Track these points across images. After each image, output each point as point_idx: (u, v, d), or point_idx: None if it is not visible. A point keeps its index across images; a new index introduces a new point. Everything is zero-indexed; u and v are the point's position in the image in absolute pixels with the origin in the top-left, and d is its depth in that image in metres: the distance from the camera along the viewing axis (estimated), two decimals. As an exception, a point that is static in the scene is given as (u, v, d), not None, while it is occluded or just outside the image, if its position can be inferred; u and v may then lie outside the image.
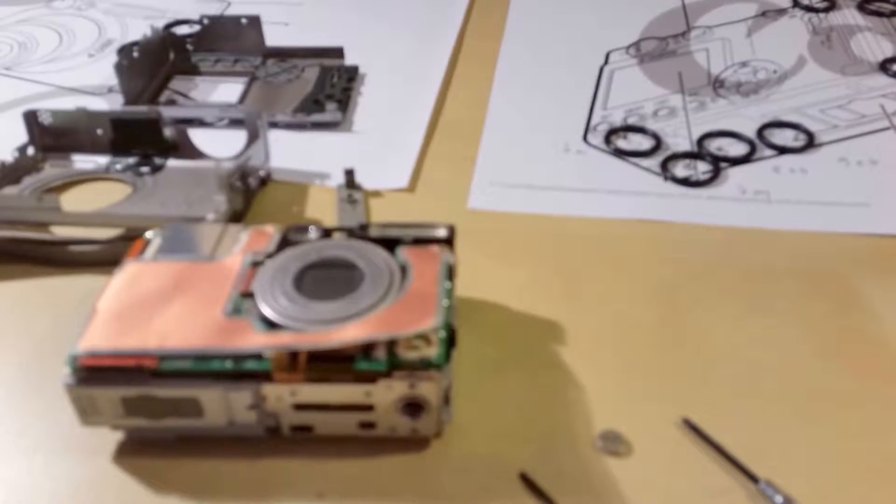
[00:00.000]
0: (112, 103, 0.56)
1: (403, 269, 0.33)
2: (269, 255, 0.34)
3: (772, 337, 0.37)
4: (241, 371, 0.30)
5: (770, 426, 0.32)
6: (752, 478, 0.30)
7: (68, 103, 0.53)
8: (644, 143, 0.51)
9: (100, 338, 0.30)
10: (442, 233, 0.36)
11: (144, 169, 0.48)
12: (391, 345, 0.30)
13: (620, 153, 0.50)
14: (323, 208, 0.45)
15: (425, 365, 0.30)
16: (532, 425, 0.33)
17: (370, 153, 0.50)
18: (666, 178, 0.48)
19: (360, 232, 0.36)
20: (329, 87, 0.56)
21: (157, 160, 0.49)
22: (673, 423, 0.33)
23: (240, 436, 0.31)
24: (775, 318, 0.38)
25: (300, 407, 0.31)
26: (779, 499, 0.29)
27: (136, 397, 0.30)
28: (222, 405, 0.30)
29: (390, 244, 0.35)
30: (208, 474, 0.31)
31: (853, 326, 0.37)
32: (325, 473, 0.31)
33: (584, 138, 0.52)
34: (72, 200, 0.46)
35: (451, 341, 0.31)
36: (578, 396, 0.34)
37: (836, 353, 0.36)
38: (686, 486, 0.30)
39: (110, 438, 0.32)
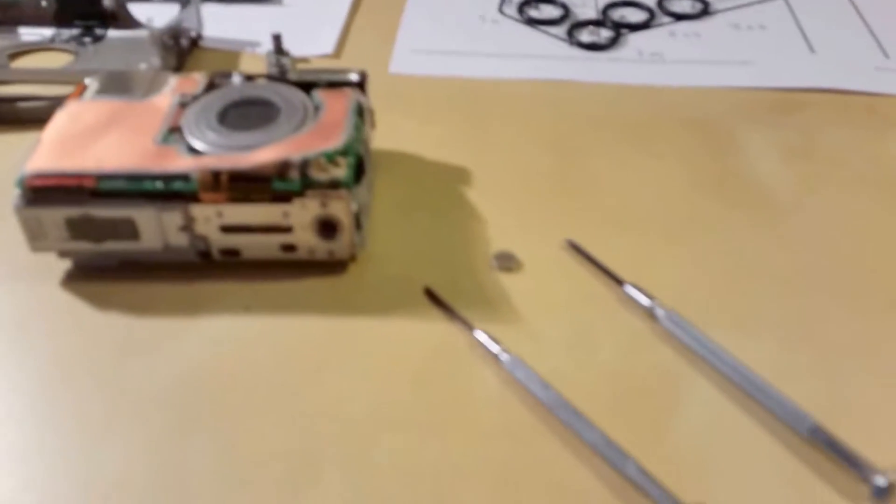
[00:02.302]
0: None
1: (317, 108, 0.35)
2: (196, 97, 0.35)
3: (653, 175, 0.39)
4: (171, 191, 0.31)
5: (643, 245, 0.35)
6: (620, 282, 0.32)
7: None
8: (554, 12, 0.52)
9: (44, 161, 0.32)
10: (354, 77, 0.37)
11: (86, 39, 0.48)
12: (304, 168, 0.31)
13: (532, 22, 0.51)
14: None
15: (335, 185, 0.31)
16: (437, 251, 0.35)
17: (299, 23, 0.51)
18: (571, 44, 0.49)
19: (279, 76, 0.37)
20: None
21: (99, 31, 0.49)
22: (559, 244, 0.35)
23: (175, 260, 0.33)
24: (657, 159, 0.40)
25: (226, 229, 0.32)
26: (643, 299, 0.31)
27: (79, 218, 0.31)
28: (156, 226, 0.32)
29: (307, 87, 0.36)
30: (147, 295, 0.33)
31: (727, 165, 0.39)
32: (252, 292, 0.33)
33: (500, 9, 0.53)
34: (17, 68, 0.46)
35: (359, 167, 0.32)
36: (479, 227, 0.36)
37: (709, 187, 0.38)
38: (566, 293, 0.33)
39: (58, 266, 0.34)
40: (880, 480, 0.24)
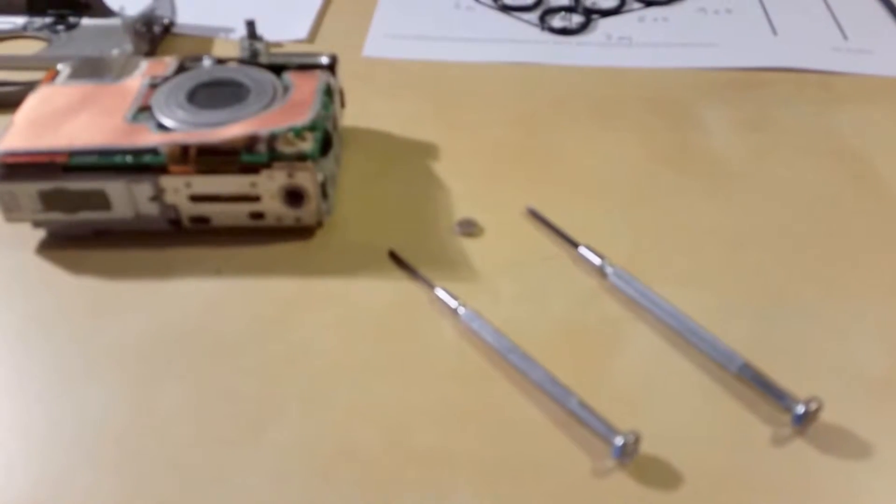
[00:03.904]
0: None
1: (286, 89, 0.38)
2: (167, 78, 0.39)
3: (613, 148, 0.43)
4: (141, 164, 0.35)
5: (599, 211, 0.39)
6: (574, 244, 0.36)
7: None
8: (527, -1, 0.56)
9: (17, 140, 0.35)
10: (325, 60, 0.41)
11: (60, 27, 0.52)
12: (272, 142, 0.35)
13: (506, 8, 0.55)
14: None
15: (301, 157, 0.35)
16: (402, 218, 0.38)
17: (274, 10, 0.55)
18: (543, 29, 0.53)
19: (250, 59, 0.40)
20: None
21: (72, 19, 0.53)
22: (520, 212, 0.39)
23: (146, 229, 0.37)
24: (619, 134, 0.44)
25: (196, 198, 0.36)
26: (594, 258, 0.35)
27: (52, 191, 0.35)
28: (127, 197, 0.35)
29: (278, 70, 0.40)
30: (120, 261, 0.36)
31: (685, 139, 0.43)
32: (222, 256, 0.37)
33: (473, -4, 0.57)
34: (-9, 53, 0.50)
35: (325, 141, 0.36)
36: (444, 197, 0.40)
37: (666, 158, 0.42)
38: (524, 256, 0.36)
39: (33, 235, 0.37)
40: (800, 409, 0.28)
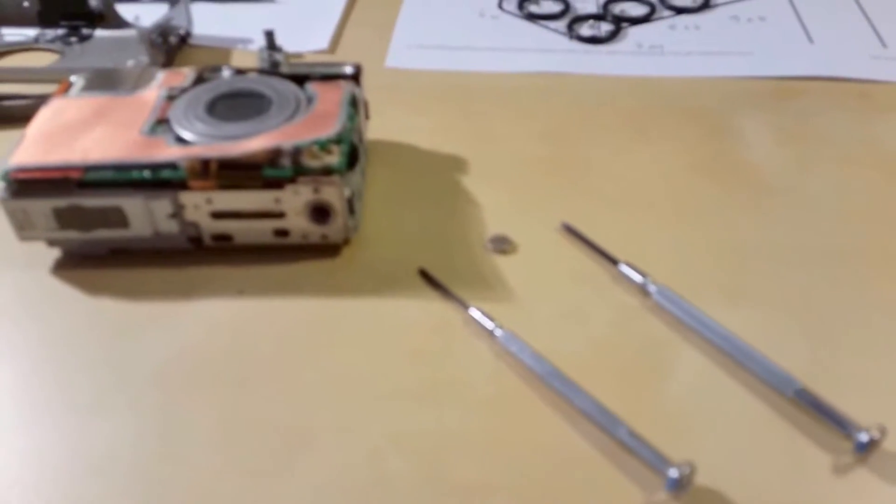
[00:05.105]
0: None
1: (310, 100, 0.37)
2: (184, 90, 0.38)
3: (648, 160, 0.42)
4: (159, 179, 0.34)
5: (637, 226, 0.37)
6: (614, 261, 0.35)
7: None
8: (554, 7, 0.55)
9: (28, 155, 0.34)
10: (349, 70, 0.40)
11: (72, 39, 0.51)
12: (296, 156, 0.34)
13: (532, 17, 0.55)
14: (245, 68, 0.49)
15: (327, 171, 0.34)
16: (431, 234, 0.37)
17: (293, 20, 0.54)
18: (571, 38, 0.52)
19: (271, 70, 0.40)
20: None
21: (85, 30, 0.52)
22: (554, 227, 0.38)
23: (166, 247, 0.36)
24: (653, 145, 0.43)
25: (217, 215, 0.35)
26: (636, 276, 0.34)
27: (66, 208, 0.34)
28: (145, 214, 0.34)
29: (300, 80, 0.39)
30: (139, 281, 0.35)
31: (723, 150, 0.42)
32: (245, 276, 0.36)
33: (499, 5, 0.56)
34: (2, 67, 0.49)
35: (352, 154, 0.35)
36: (474, 211, 0.39)
37: (703, 169, 0.41)
38: (559, 273, 0.35)
39: (47, 254, 0.36)
40: (863, 436, 0.27)
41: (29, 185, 0.34)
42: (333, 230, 0.35)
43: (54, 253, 0.37)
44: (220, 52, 0.51)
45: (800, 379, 0.29)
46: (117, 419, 0.30)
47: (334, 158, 0.34)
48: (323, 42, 0.52)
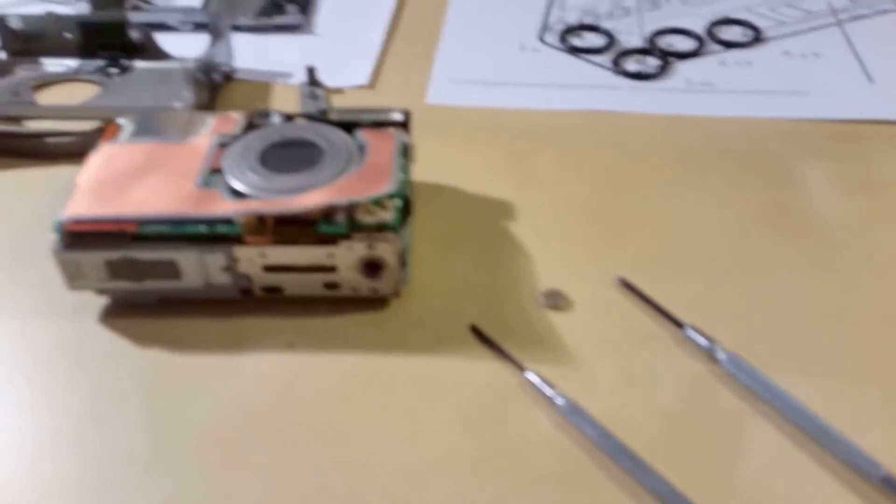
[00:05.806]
0: (79, 9, 0.58)
1: (361, 149, 0.37)
2: (236, 137, 0.38)
3: (706, 209, 0.41)
4: (215, 234, 0.33)
5: (698, 283, 0.37)
6: (678, 324, 0.34)
7: (37, 9, 0.56)
8: (598, 41, 0.55)
9: (82, 206, 0.34)
10: (398, 116, 0.39)
11: (113, 70, 0.51)
12: (350, 211, 0.34)
13: (574, 50, 0.54)
14: (286, 105, 0.49)
15: (382, 228, 0.34)
16: (482, 287, 0.37)
17: (332, 54, 0.54)
18: (617, 73, 0.52)
19: (320, 116, 0.39)
20: (291, -9, 0.59)
21: (125, 62, 0.52)
22: (610, 282, 0.37)
23: (216, 297, 0.35)
24: (711, 193, 0.42)
25: (270, 268, 0.35)
26: (702, 341, 0.33)
27: (119, 260, 0.34)
28: (198, 267, 0.34)
29: (349, 127, 0.38)
30: (188, 331, 0.35)
31: (784, 199, 0.41)
32: (295, 328, 0.35)
33: (540, 37, 0.55)
34: (43, 100, 0.49)
35: (405, 209, 0.35)
36: (525, 263, 0.38)
37: (766, 221, 0.40)
38: (619, 334, 0.35)
39: (95, 302, 0.36)
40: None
41: (83, 237, 0.34)
42: (384, 284, 0.35)
43: (102, 301, 0.36)
44: (260, 87, 0.50)
45: (886, 464, 0.28)
46: (164, 480, 0.29)
47: (389, 215, 0.34)
48: (363, 77, 0.51)
